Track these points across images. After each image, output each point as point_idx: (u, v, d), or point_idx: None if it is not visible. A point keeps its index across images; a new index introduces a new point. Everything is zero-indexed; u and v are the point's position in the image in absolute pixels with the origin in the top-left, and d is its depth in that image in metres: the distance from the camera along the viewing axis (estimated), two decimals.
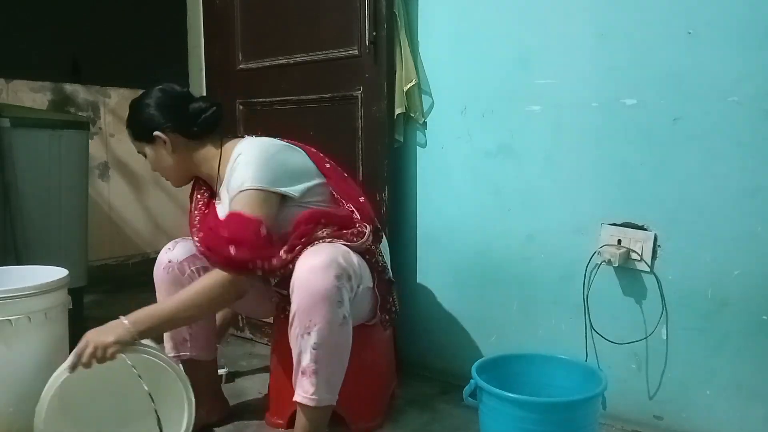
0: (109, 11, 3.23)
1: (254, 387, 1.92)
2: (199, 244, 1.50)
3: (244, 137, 1.59)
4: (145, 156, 1.60)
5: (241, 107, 2.26)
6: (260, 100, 2.20)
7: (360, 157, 1.96)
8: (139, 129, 1.57)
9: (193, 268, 1.57)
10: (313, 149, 1.60)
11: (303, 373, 1.36)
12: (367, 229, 1.48)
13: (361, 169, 1.95)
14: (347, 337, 1.37)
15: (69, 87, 3.14)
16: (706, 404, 1.52)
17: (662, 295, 1.56)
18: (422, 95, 1.92)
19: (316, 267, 1.31)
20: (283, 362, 1.61)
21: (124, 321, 1.35)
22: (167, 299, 1.45)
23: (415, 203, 1.99)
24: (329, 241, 1.40)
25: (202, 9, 2.41)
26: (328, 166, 1.59)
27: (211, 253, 1.42)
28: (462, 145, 1.87)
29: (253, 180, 1.40)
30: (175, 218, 3.47)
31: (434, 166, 1.94)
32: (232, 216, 1.40)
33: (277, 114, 2.16)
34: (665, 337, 1.57)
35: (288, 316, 1.39)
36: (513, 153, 1.78)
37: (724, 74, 1.44)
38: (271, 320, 1.82)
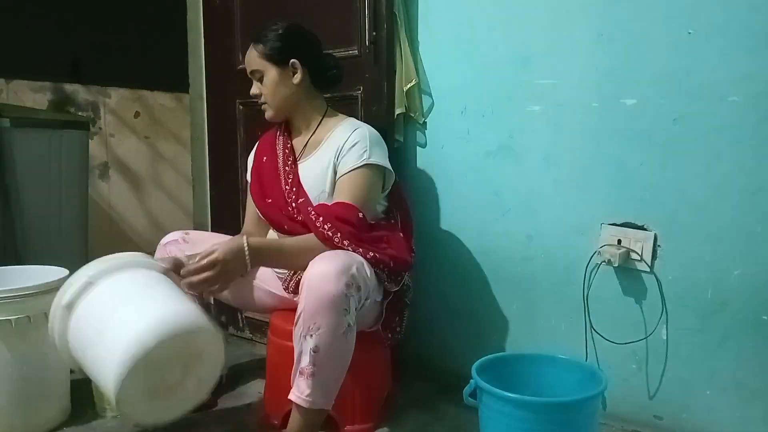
0: (109, 11, 3.22)
1: (253, 387, 1.92)
2: (297, 217, 1.56)
3: (347, 117, 1.69)
4: (258, 78, 1.62)
5: (241, 107, 2.26)
6: None
7: None
8: (279, 49, 1.59)
9: (174, 248, 1.67)
10: None
11: (301, 373, 1.37)
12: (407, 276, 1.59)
13: None
14: (349, 346, 1.39)
15: (69, 87, 3.13)
16: (706, 404, 1.52)
17: (662, 295, 1.56)
18: (422, 95, 1.92)
19: (329, 273, 1.32)
20: (278, 363, 1.62)
21: (246, 254, 1.40)
22: (282, 239, 1.56)
23: (414, 203, 1.99)
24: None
25: (202, 9, 2.41)
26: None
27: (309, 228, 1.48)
28: (462, 145, 1.87)
29: (375, 156, 1.54)
30: (175, 218, 3.46)
31: (434, 166, 1.94)
32: (339, 207, 1.48)
33: None
34: (665, 337, 1.57)
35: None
36: (513, 153, 1.78)
37: (724, 74, 1.44)
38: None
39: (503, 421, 1.35)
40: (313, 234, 1.46)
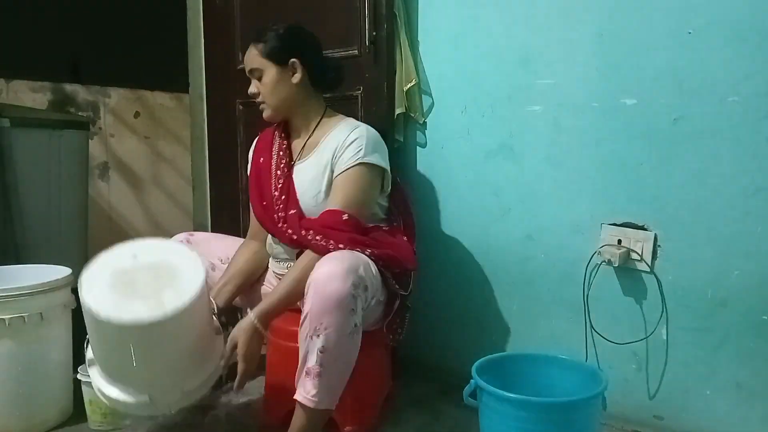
0: (109, 11, 3.22)
1: (254, 386, 1.91)
2: (286, 231, 1.56)
3: (345, 117, 1.68)
4: (257, 77, 1.61)
5: (241, 107, 2.26)
6: None
7: None
8: (279, 48, 1.58)
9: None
10: None
11: (307, 373, 1.36)
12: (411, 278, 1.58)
13: None
14: (355, 346, 1.39)
15: (69, 87, 3.13)
16: (706, 404, 1.52)
17: (662, 295, 1.56)
18: (422, 95, 1.92)
19: (335, 273, 1.32)
20: (279, 362, 1.62)
21: (259, 326, 1.44)
22: (277, 286, 1.51)
23: (415, 203, 1.99)
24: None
25: (202, 9, 2.42)
26: None
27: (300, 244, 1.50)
28: (462, 145, 1.87)
29: (372, 155, 1.53)
30: (175, 218, 3.46)
31: (434, 166, 1.94)
32: (324, 216, 1.49)
33: None
34: (665, 337, 1.57)
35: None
36: (513, 153, 1.78)
37: (724, 74, 1.44)
38: None
39: (503, 421, 1.35)
40: (297, 263, 1.48)
